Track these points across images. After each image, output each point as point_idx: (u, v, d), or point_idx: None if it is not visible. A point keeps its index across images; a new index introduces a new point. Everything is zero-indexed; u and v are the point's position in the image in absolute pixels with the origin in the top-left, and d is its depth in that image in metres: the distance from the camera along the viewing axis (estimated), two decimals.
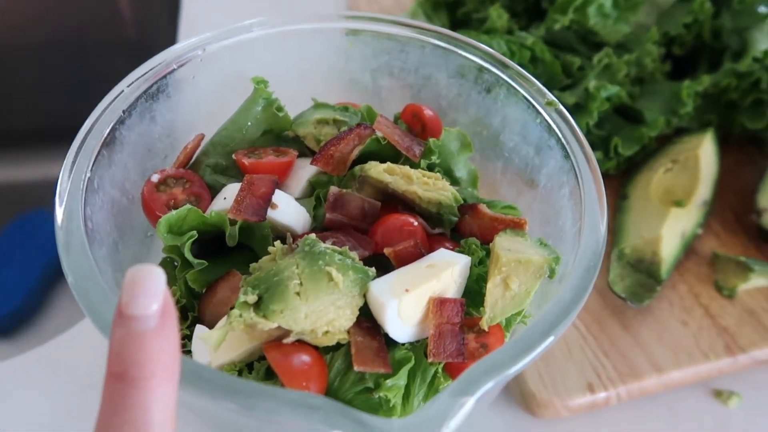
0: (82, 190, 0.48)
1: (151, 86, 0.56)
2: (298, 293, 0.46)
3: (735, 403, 0.70)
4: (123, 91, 0.54)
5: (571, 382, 0.66)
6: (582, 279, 0.46)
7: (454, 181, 0.63)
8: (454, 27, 0.96)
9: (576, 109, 0.80)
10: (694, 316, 0.73)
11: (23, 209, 1.20)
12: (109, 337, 0.35)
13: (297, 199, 0.58)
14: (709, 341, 0.71)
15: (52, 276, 1.14)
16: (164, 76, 0.57)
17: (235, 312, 0.46)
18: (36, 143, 1.27)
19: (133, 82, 0.55)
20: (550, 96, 0.58)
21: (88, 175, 0.49)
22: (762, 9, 0.88)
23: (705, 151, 0.82)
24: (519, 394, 0.67)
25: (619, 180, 0.83)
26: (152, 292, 0.35)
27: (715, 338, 0.71)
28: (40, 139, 1.28)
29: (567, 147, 0.55)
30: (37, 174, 1.25)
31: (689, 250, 0.78)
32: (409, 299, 0.48)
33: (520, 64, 0.72)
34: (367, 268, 0.49)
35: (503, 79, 0.61)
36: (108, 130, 0.52)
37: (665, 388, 0.69)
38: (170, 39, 1.15)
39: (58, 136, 1.28)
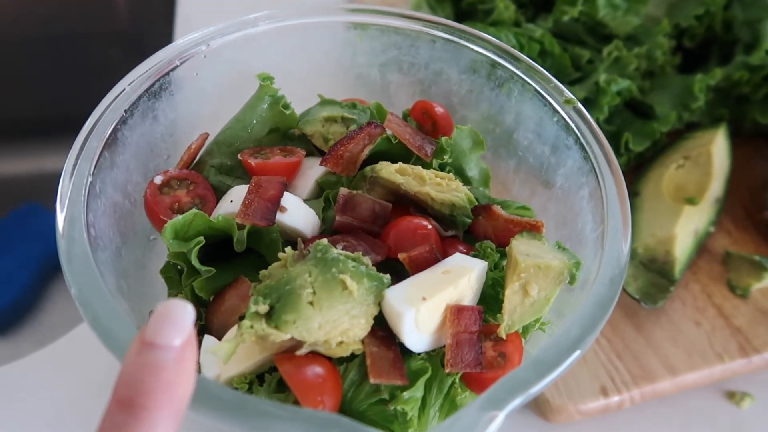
0: (84, 195, 0.46)
1: (154, 84, 0.54)
2: (311, 302, 0.45)
3: (748, 404, 0.69)
4: (124, 89, 0.52)
5: (584, 386, 0.65)
6: (608, 289, 0.45)
7: (466, 181, 0.61)
8: (458, 18, 0.94)
9: (586, 104, 0.78)
10: (708, 316, 0.72)
11: (16, 203, 1.18)
12: (123, 362, 0.33)
13: (305, 201, 0.56)
14: (723, 342, 0.70)
15: (49, 271, 1.12)
16: (167, 73, 0.55)
17: (246, 323, 0.44)
18: (29, 136, 1.24)
19: (135, 80, 0.52)
20: (569, 94, 0.56)
21: (90, 179, 0.47)
22: None
23: (717, 147, 0.80)
24: (532, 400, 0.65)
25: (630, 176, 0.81)
26: (179, 326, 0.34)
27: (728, 339, 0.70)
28: (33, 131, 1.24)
29: (587, 147, 0.53)
30: (30, 167, 1.22)
31: (701, 248, 0.77)
32: (426, 307, 0.46)
33: (529, 58, 0.70)
34: (382, 275, 0.47)
35: (518, 76, 0.59)
36: (110, 131, 0.50)
37: (679, 390, 0.67)
38: (166, 31, 1.12)
39: (52, 129, 1.25)
